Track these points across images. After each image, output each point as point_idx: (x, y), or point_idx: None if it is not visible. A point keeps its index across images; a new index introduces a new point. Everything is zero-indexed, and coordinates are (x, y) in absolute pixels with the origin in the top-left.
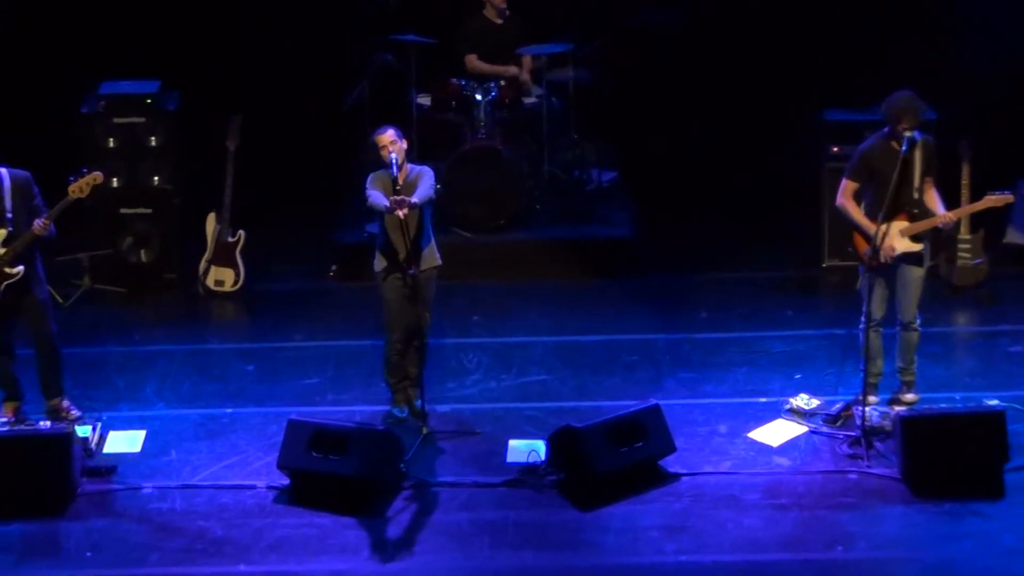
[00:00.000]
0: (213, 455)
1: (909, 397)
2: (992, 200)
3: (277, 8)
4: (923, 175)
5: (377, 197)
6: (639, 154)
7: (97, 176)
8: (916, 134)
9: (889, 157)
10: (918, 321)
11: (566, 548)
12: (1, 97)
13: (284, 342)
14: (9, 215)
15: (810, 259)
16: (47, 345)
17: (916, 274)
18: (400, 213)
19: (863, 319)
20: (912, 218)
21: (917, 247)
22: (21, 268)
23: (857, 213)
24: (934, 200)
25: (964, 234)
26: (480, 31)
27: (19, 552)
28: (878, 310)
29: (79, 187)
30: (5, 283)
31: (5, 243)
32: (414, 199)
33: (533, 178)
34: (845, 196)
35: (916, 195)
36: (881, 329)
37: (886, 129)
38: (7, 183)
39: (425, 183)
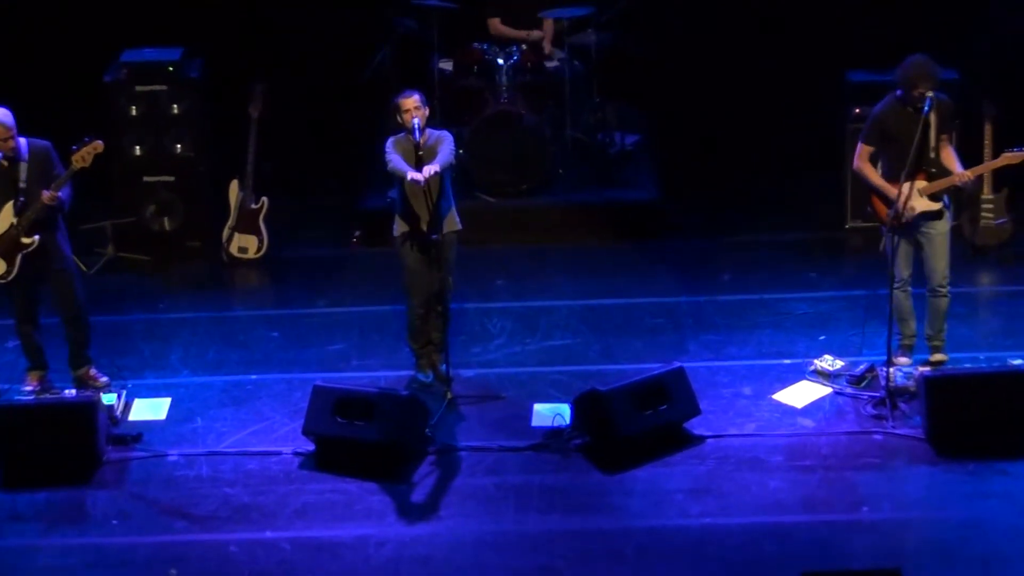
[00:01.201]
0: (238, 422)
1: (936, 357)
2: (1009, 157)
3: None
4: (939, 134)
5: (398, 162)
6: (662, 117)
7: (98, 145)
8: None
9: (901, 120)
10: (948, 286)
11: (591, 511)
12: (23, 67)
13: (308, 308)
14: (22, 184)
15: (833, 221)
16: (73, 315)
17: (940, 229)
18: (423, 183)
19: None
20: (929, 177)
21: (936, 206)
22: (36, 238)
23: (874, 176)
24: (951, 159)
25: (987, 194)
26: None
27: (46, 520)
28: (904, 269)
29: (81, 156)
30: (21, 253)
31: (18, 213)
32: (435, 166)
33: (556, 142)
34: (861, 160)
35: (933, 154)
36: (910, 289)
37: (898, 92)
38: (26, 153)
39: (445, 148)
